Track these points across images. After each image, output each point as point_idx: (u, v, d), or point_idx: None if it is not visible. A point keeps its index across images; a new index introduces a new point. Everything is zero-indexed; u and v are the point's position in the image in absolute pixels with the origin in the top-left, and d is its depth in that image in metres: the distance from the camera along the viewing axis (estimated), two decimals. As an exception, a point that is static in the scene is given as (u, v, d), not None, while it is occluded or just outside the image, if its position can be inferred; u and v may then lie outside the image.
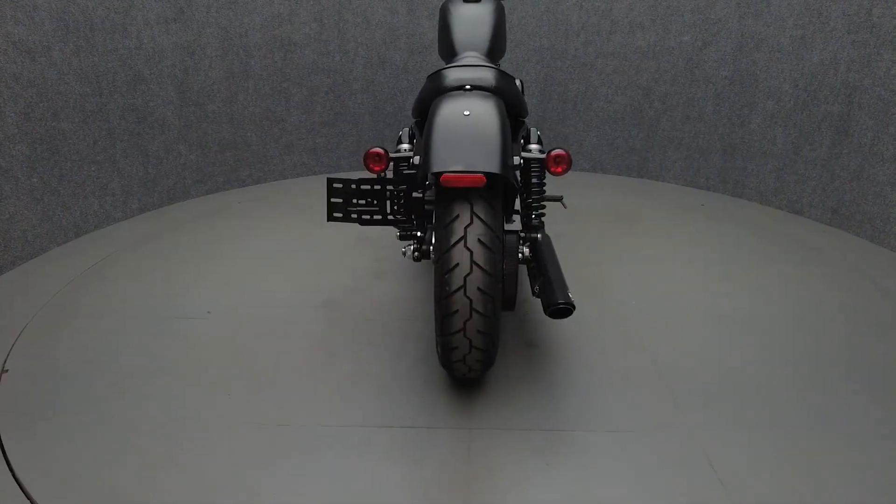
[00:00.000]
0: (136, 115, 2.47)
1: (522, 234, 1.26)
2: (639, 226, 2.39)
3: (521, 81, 1.92)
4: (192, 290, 1.85)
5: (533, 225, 1.26)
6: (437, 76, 1.26)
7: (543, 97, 3.22)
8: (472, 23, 1.71)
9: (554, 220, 2.47)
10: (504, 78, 1.27)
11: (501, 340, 1.53)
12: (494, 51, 1.68)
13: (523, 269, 1.92)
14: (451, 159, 1.00)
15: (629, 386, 1.42)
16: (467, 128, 1.03)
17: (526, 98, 3.23)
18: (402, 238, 1.25)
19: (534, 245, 1.28)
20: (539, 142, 1.39)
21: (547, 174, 2.78)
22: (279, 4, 2.85)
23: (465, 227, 1.03)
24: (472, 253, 1.03)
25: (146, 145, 2.54)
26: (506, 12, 3.13)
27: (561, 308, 1.18)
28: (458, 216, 1.03)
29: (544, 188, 1.28)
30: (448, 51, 1.68)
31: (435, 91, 1.24)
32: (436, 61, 3.19)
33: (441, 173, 1.01)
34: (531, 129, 1.44)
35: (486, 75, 1.23)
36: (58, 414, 1.35)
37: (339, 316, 1.67)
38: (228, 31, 2.73)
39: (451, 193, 1.04)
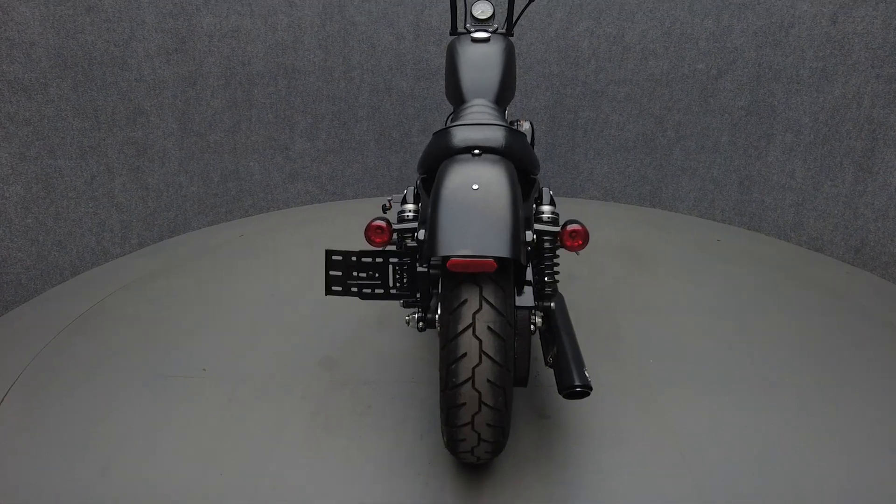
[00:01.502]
0: (136, 149, 2.41)
1: (535, 303, 1.17)
2: (654, 266, 2.30)
3: (530, 124, 1.84)
4: (188, 341, 1.78)
5: (546, 294, 1.18)
6: (443, 135, 1.18)
7: (553, 124, 3.14)
8: (480, 65, 1.63)
9: (567, 261, 2.38)
10: (514, 136, 1.19)
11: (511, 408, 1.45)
12: (504, 95, 1.60)
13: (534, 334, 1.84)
14: (458, 242, 0.93)
15: (649, 470, 1.33)
16: (476, 205, 0.95)
17: (536, 127, 3.15)
18: (405, 306, 1.17)
19: (547, 313, 1.20)
20: (552, 202, 1.31)
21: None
22: (283, 32, 2.79)
23: (474, 314, 0.95)
24: (481, 342, 0.95)
25: (146, 179, 2.48)
26: (515, 48, 3.08)
27: (577, 391, 1.10)
28: (465, 301, 0.95)
29: (557, 260, 1.20)
30: (455, 95, 1.60)
31: (442, 151, 1.17)
32: (443, 88, 3.12)
33: (448, 257, 0.93)
34: (543, 188, 1.35)
35: (496, 135, 1.15)
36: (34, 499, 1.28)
37: (339, 376, 1.59)
38: (231, 60, 2.67)
39: (459, 276, 0.97)
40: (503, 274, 0.98)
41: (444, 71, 2.28)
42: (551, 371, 1.52)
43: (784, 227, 2.59)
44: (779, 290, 2.11)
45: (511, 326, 0.98)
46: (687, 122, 2.83)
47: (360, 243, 2.53)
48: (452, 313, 0.96)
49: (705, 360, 1.70)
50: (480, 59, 1.66)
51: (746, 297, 2.06)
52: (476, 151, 1.10)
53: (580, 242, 1.08)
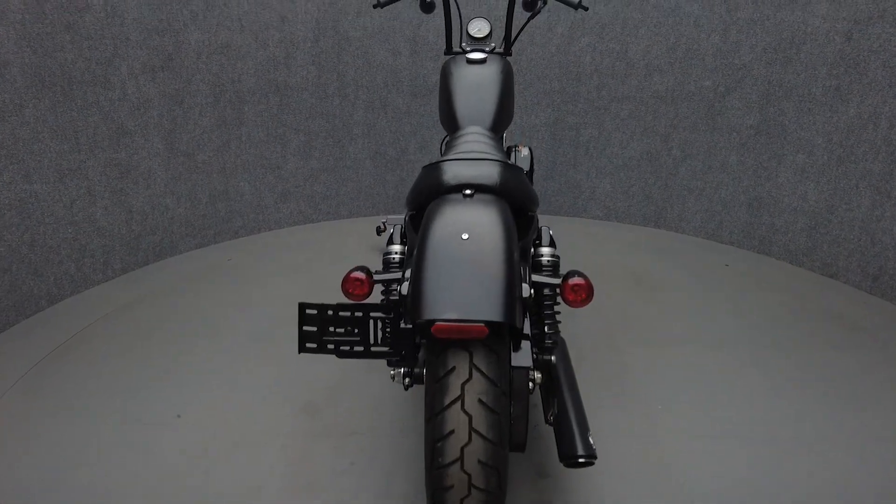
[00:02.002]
0: (119, 170, 2.31)
1: (535, 357, 1.06)
2: (661, 293, 2.19)
3: (529, 150, 1.73)
4: (164, 382, 1.67)
5: (546, 346, 1.07)
6: (433, 171, 1.08)
7: (554, 141, 3.04)
8: (476, 89, 1.53)
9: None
10: (510, 172, 1.08)
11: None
12: (501, 121, 1.50)
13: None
14: (444, 304, 0.81)
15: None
16: (465, 259, 0.84)
17: (536, 146, 3.05)
18: (389, 365, 1.05)
19: (547, 367, 1.09)
20: (552, 243, 1.20)
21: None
22: (275, 48, 2.70)
23: (463, 384, 0.83)
24: (471, 418, 0.83)
25: (130, 201, 2.38)
26: (513, 69, 2.95)
27: (580, 461, 0.99)
28: (453, 369, 0.84)
29: (558, 314, 1.08)
30: (449, 121, 1.50)
31: (431, 189, 1.06)
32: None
33: (432, 321, 0.82)
34: (542, 228, 1.24)
35: (490, 172, 1.04)
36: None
37: (322, 425, 1.47)
38: (220, 77, 2.58)
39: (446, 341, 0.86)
40: (497, 337, 0.87)
41: (438, 100, 2.20)
42: (552, 427, 1.40)
43: (796, 251, 2.48)
44: (794, 322, 1.99)
45: (506, 396, 0.86)
46: (693, 140, 2.73)
47: (357, 262, 2.43)
48: (438, 382, 0.84)
49: (718, 405, 1.58)
50: (476, 83, 1.56)
51: (760, 329, 1.94)
52: (468, 192, 0.99)
53: (584, 297, 0.96)
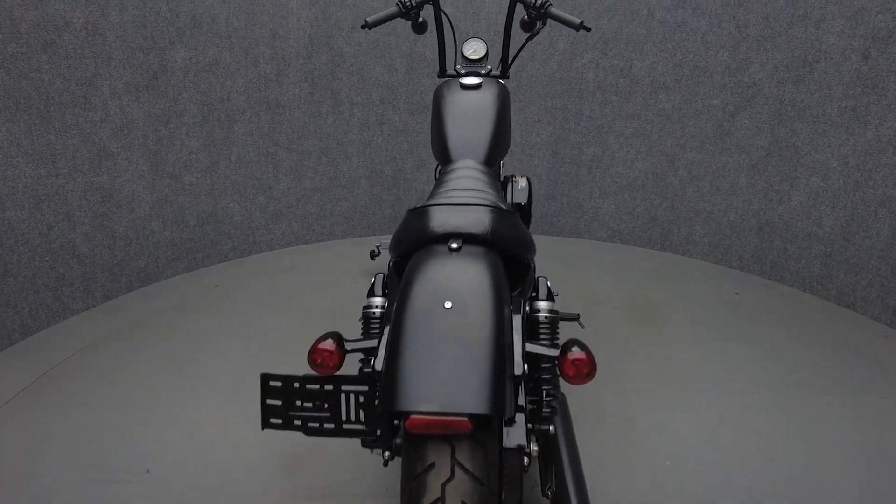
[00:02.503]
0: (101, 194, 2.22)
1: (530, 427, 0.94)
2: (668, 327, 2.07)
3: (527, 181, 1.62)
4: (134, 432, 1.56)
5: (544, 416, 0.94)
6: (418, 216, 0.97)
7: (556, 160, 2.93)
8: (469, 117, 1.42)
9: (567, 326, 2.16)
10: (503, 218, 0.96)
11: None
12: (496, 152, 1.39)
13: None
14: (421, 392, 0.68)
15: None
16: (448, 334, 0.72)
17: (537, 164, 2.94)
18: (364, 446, 0.92)
19: (545, 437, 0.97)
20: (549, 297, 1.09)
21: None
22: (265, 65, 2.61)
23: (444, 485, 0.72)
24: None
25: (112, 226, 2.28)
26: (510, 93, 2.84)
27: None
28: (432, 465, 0.72)
29: (558, 383, 0.95)
30: (441, 152, 1.39)
31: (415, 237, 0.95)
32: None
33: (407, 413, 0.72)
34: (539, 278, 1.13)
35: (480, 220, 0.93)
36: None
37: (303, 485, 1.36)
38: (208, 95, 2.48)
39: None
40: (484, 427, 0.75)
41: (430, 130, 2.07)
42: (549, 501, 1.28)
43: (810, 279, 2.35)
44: (814, 360, 1.87)
45: (495, 495, 0.74)
46: (701, 161, 2.62)
47: (346, 296, 2.32)
48: (415, 480, 0.73)
49: (732, 462, 1.46)
50: (469, 110, 1.45)
51: (777, 369, 1.82)
52: (454, 245, 0.88)
53: (585, 373, 0.84)
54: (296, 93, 2.72)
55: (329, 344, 0.87)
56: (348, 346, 0.90)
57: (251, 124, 2.65)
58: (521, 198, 1.54)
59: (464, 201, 1.00)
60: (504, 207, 1.01)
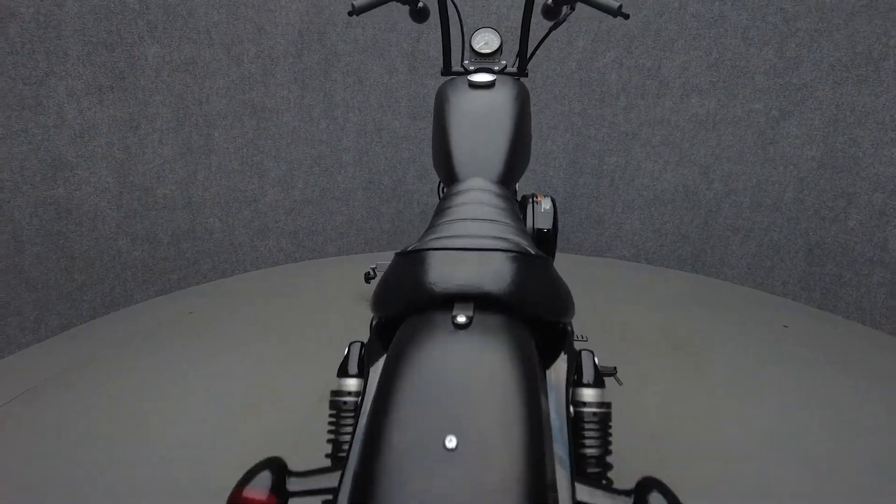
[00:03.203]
0: (56, 210, 1.94)
1: None
2: (710, 371, 1.76)
3: (552, 202, 1.32)
4: (81, 491, 1.27)
5: None
6: (411, 264, 0.68)
7: (573, 170, 2.64)
8: (481, 123, 1.14)
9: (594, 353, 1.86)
10: (533, 269, 0.67)
11: None
12: (514, 168, 1.10)
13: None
14: None
15: None
16: (450, 495, 0.44)
17: (552, 175, 2.64)
18: None
19: None
20: (598, 380, 0.79)
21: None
22: (250, 64, 2.33)
23: None
24: None
25: (71, 246, 2.00)
26: (530, 94, 2.53)
27: None
28: None
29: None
30: (445, 168, 1.10)
31: (405, 294, 0.66)
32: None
33: None
34: (583, 352, 0.83)
35: (501, 271, 0.64)
36: None
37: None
38: (184, 97, 2.20)
39: None
40: None
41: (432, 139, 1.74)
42: None
43: (871, 310, 2.04)
44: (888, 415, 1.56)
45: None
46: (739, 172, 2.31)
47: (335, 327, 2.03)
48: None
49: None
50: (481, 115, 1.16)
51: (849, 429, 1.51)
52: (461, 319, 0.59)
53: None
54: (284, 95, 2.44)
55: (259, 492, 0.56)
56: (293, 485, 0.59)
57: (234, 130, 2.37)
58: (545, 223, 1.25)
59: (475, 243, 0.70)
60: (532, 250, 0.72)
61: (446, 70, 1.41)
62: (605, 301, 2.21)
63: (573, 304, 0.76)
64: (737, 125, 2.28)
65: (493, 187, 1.01)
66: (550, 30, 1.36)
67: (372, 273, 2.18)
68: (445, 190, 1.09)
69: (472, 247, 0.69)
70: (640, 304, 2.18)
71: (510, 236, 0.77)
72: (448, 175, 1.09)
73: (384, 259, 2.38)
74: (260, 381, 1.68)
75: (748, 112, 2.24)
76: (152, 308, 2.20)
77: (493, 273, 0.66)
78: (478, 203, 0.94)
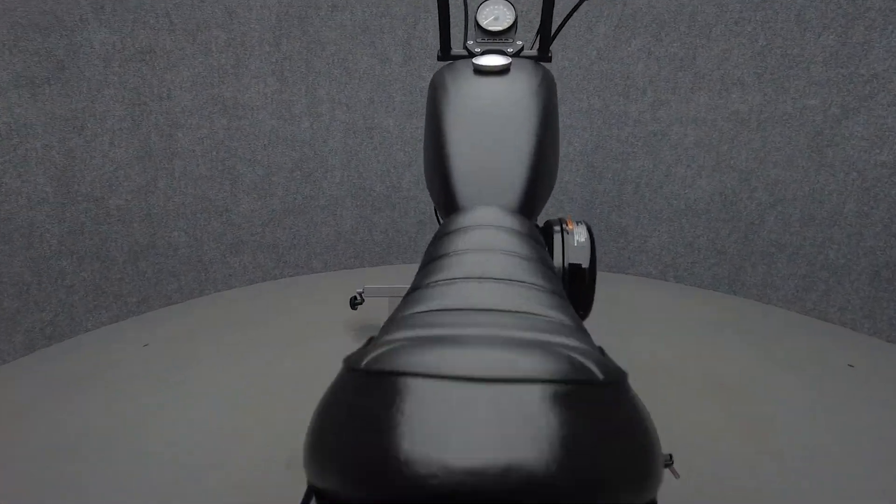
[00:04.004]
0: (-20, 227, 1.62)
1: None
2: (766, 423, 1.44)
3: (587, 230, 0.99)
4: None
5: None
6: (370, 400, 0.37)
7: (592, 175, 2.31)
8: (492, 126, 0.81)
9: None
10: (599, 415, 0.35)
11: None
12: (538, 188, 0.77)
13: None
14: None
15: None
16: None
17: (568, 179, 2.31)
18: None
19: None
20: None
21: None
22: (220, 54, 2.01)
23: None
24: None
25: (-1, 268, 1.68)
26: (556, 84, 2.22)
27: None
28: None
29: None
30: (441, 189, 0.78)
31: (359, 472, 0.35)
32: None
33: None
34: None
35: (543, 436, 0.33)
36: None
37: None
38: (140, 92, 1.88)
39: None
40: None
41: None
42: None
43: (953, 346, 1.72)
44: None
45: None
46: (788, 180, 1.98)
47: (313, 365, 1.71)
48: None
49: None
50: (491, 113, 0.84)
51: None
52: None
53: None
54: (260, 89, 2.12)
55: None
56: None
57: (201, 130, 2.05)
58: (582, 258, 0.92)
59: (492, 363, 0.38)
60: (595, 363, 0.39)
61: (444, 54, 1.09)
62: (630, 329, 1.88)
63: (660, 476, 0.43)
64: (787, 124, 1.95)
65: (511, 220, 0.69)
66: (581, 1, 1.03)
67: (359, 298, 1.86)
68: (443, 221, 0.76)
69: (490, 376, 0.37)
70: (672, 334, 1.86)
71: (552, 333, 0.44)
72: (446, 200, 0.76)
73: (374, 285, 2.07)
74: (226, 433, 1.36)
75: (801, 109, 1.90)
76: (104, 337, 1.88)
77: (532, 444, 0.33)
78: (488, 250, 0.61)
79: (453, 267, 0.59)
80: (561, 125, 2.28)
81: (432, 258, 0.64)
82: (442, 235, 0.69)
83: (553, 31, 1.11)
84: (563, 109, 2.27)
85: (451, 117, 0.85)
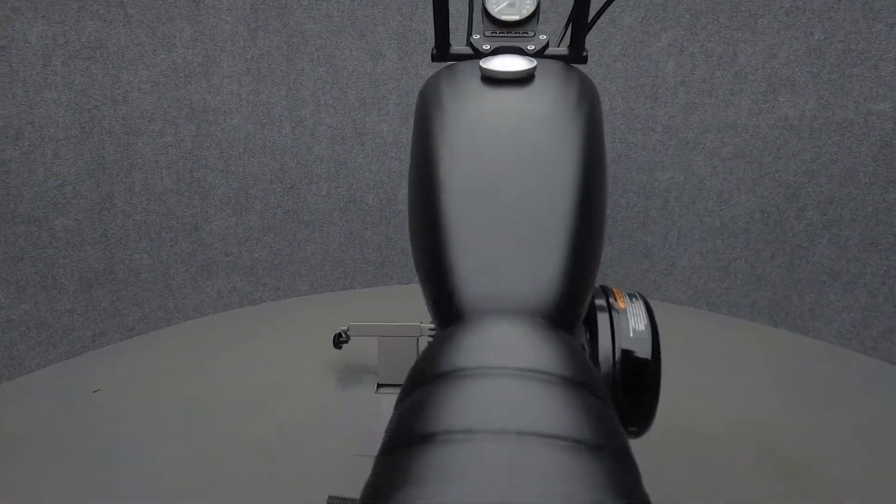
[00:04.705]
0: None
1: None
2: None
3: (644, 305, 0.70)
4: None
5: None
6: None
7: (613, 186, 2.03)
8: (509, 172, 0.54)
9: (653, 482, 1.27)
10: None
11: None
12: (583, 278, 0.50)
13: None
14: None
15: None
16: None
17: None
18: None
19: None
20: None
21: None
22: (185, 49, 1.73)
23: None
24: None
25: (-84, 306, 1.42)
26: (599, 98, 1.88)
27: None
28: None
29: None
30: (433, 279, 0.50)
31: None
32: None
33: None
34: None
35: None
36: None
37: None
38: (90, 95, 1.61)
39: None
40: None
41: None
42: None
43: None
44: None
45: None
46: (846, 197, 1.70)
47: (291, 422, 1.44)
48: None
49: None
50: (509, 150, 0.57)
51: None
52: None
53: None
54: (233, 90, 1.84)
55: None
56: None
57: (165, 138, 1.78)
58: (643, 349, 0.63)
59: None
60: None
61: (441, 52, 0.81)
62: (661, 378, 1.61)
63: None
64: (846, 133, 1.66)
65: (545, 346, 0.41)
66: None
67: (344, 336, 1.59)
68: (436, 333, 0.48)
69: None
70: (708, 379, 1.58)
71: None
72: (439, 298, 0.48)
73: (359, 322, 1.81)
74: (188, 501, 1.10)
75: (866, 114, 1.62)
76: (51, 379, 1.62)
77: None
78: (506, 406, 0.34)
79: (445, 452, 0.32)
80: (578, 131, 2.00)
81: (417, 407, 0.36)
82: (431, 361, 0.41)
83: (590, 20, 0.83)
84: (580, 113, 1.98)
85: (449, 157, 0.57)
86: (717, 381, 1.59)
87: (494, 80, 0.66)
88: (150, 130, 1.75)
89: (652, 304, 2.07)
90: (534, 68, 0.65)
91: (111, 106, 1.66)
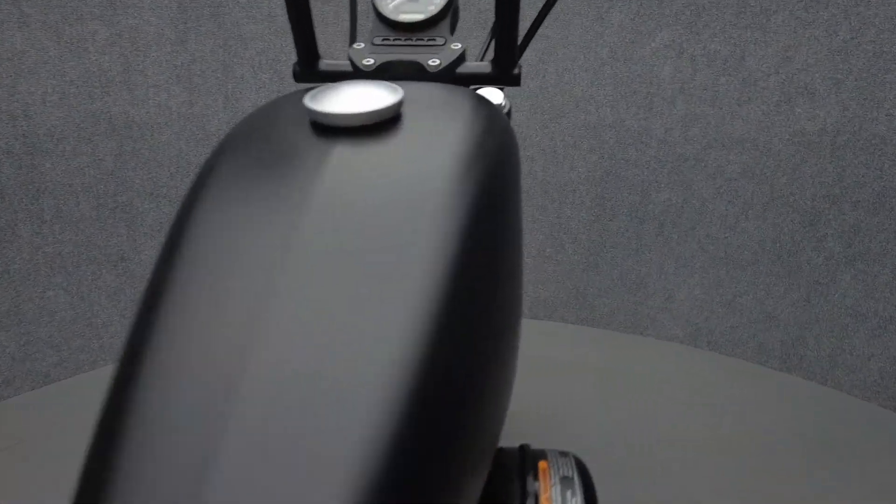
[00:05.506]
0: None
1: None
2: None
3: (579, 480, 0.45)
4: None
5: None
6: None
7: (601, 209, 1.78)
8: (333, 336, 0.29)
9: None
10: None
11: None
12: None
13: None
14: None
15: None
16: None
17: (569, 214, 1.79)
18: None
19: None
20: None
21: None
22: (98, 55, 1.49)
23: None
24: None
25: None
26: (518, 148, 1.65)
27: None
28: None
29: None
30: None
31: None
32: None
33: None
34: None
35: None
36: None
37: None
38: (-21, 111, 1.38)
39: None
40: None
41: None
42: None
43: None
44: None
45: None
46: (876, 227, 1.44)
47: None
48: None
49: None
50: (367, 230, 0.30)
51: None
52: None
53: None
54: (161, 101, 1.60)
55: None
56: None
57: (80, 158, 1.54)
58: None
59: None
60: None
61: (305, 69, 0.56)
62: (647, 426, 1.35)
63: None
64: (876, 150, 1.39)
65: None
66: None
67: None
68: None
69: None
70: (712, 440, 1.33)
71: None
72: None
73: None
74: None
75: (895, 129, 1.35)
76: (-68, 447, 1.39)
77: None
78: None
79: None
80: (559, 146, 1.75)
81: None
82: None
83: (523, 36, 0.58)
84: (564, 124, 1.72)
85: (187, 296, 0.32)
86: (730, 449, 1.33)
87: (331, 128, 0.40)
88: (61, 150, 1.51)
89: (644, 340, 1.82)
90: (397, 105, 0.40)
91: (8, 123, 1.43)
